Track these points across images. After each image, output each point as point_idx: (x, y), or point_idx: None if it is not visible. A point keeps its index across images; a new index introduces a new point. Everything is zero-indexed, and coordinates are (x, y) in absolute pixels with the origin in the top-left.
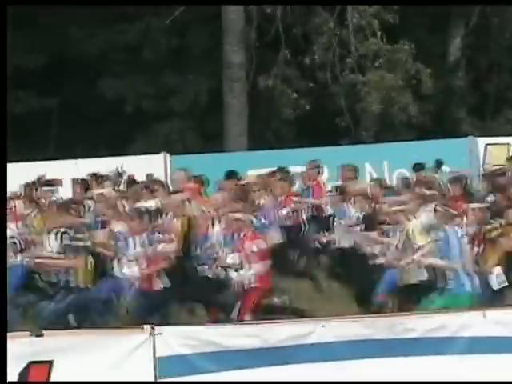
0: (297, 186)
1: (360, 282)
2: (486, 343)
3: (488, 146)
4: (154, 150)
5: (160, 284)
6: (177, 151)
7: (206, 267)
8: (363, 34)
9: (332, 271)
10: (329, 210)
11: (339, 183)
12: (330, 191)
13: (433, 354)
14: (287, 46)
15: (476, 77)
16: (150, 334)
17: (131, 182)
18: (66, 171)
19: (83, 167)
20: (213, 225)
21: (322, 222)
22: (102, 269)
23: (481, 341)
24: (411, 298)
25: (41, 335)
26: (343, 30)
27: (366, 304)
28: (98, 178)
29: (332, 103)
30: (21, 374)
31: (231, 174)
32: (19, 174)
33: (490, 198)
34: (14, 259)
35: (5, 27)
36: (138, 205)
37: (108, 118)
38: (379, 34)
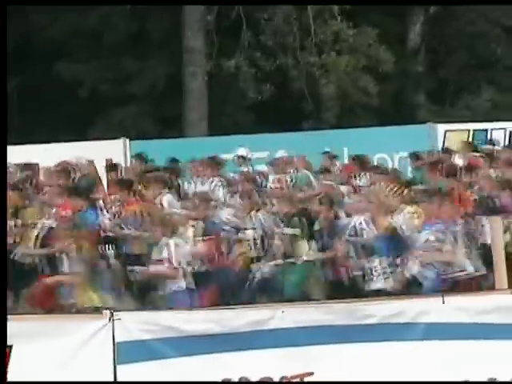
0: None
1: None
2: (444, 329)
3: (447, 133)
4: (113, 135)
5: None
6: (135, 136)
7: None
8: (323, 18)
9: None
10: None
11: None
12: None
13: (391, 339)
14: (248, 30)
15: (434, 62)
16: (110, 319)
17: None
18: (31, 157)
19: (45, 153)
20: None
21: None
22: None
23: (439, 327)
24: None
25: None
26: (304, 13)
27: None
28: None
29: (292, 87)
30: None
31: None
32: None
33: None
34: None
35: (5, 27)
36: None
37: (67, 102)
38: (339, 18)
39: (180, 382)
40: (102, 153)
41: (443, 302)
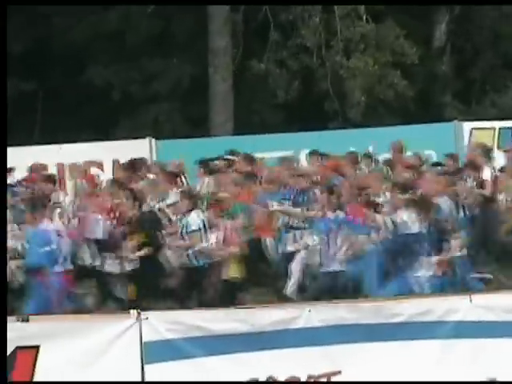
0: None
1: None
2: (472, 327)
3: (473, 131)
4: (139, 134)
5: None
6: (162, 136)
7: None
8: (350, 18)
9: None
10: None
11: None
12: None
13: (419, 338)
14: (275, 31)
15: (460, 61)
16: (137, 318)
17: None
18: (51, 156)
19: (67, 152)
20: None
21: None
22: None
23: (467, 325)
24: None
25: (27, 320)
26: (330, 14)
27: None
28: None
29: (318, 87)
30: (8, 359)
31: None
32: None
33: None
34: None
35: (5, 27)
36: None
37: (93, 104)
38: (365, 17)
39: (207, 382)
40: (128, 152)
41: (470, 301)
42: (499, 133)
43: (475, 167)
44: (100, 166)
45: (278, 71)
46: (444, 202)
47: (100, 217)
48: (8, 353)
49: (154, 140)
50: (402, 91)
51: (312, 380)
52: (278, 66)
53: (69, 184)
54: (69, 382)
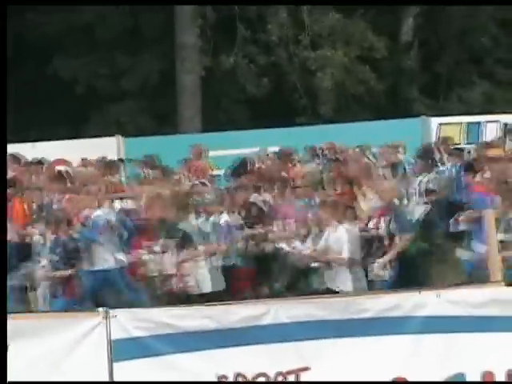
0: None
1: None
2: (440, 322)
3: (441, 126)
4: (108, 131)
5: None
6: (131, 132)
7: None
8: (318, 12)
9: None
10: None
11: None
12: None
13: (387, 333)
14: (242, 26)
15: (428, 56)
16: (105, 317)
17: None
18: (23, 153)
19: (39, 150)
20: None
21: None
22: None
23: (435, 320)
24: None
25: None
26: (298, 9)
27: None
28: None
29: (288, 82)
30: None
31: None
32: None
33: None
34: None
35: (4, 28)
36: None
37: (61, 98)
38: (332, 12)
39: (176, 383)
40: (96, 150)
41: (437, 296)
42: (467, 127)
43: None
44: (68, 164)
45: (246, 66)
46: None
47: None
48: None
49: (121, 138)
50: (372, 86)
51: (280, 377)
52: (246, 61)
53: None
54: (43, 383)
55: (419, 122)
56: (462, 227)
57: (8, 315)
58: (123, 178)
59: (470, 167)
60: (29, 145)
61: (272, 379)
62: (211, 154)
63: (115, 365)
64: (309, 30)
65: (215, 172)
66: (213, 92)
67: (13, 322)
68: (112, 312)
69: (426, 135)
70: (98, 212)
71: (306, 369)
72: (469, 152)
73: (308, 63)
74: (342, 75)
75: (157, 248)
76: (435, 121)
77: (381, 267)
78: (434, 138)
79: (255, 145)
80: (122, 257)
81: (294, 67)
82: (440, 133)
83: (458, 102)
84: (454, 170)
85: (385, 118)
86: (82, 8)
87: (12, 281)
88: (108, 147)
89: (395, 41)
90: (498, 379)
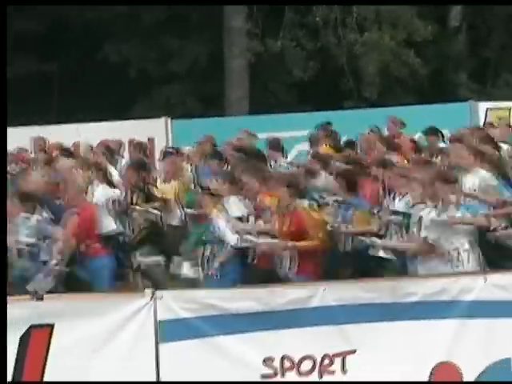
0: None
1: None
2: (487, 307)
3: (489, 110)
4: (156, 113)
5: None
6: (178, 114)
7: None
8: None
9: None
10: None
11: None
12: None
13: (434, 318)
14: (290, 10)
15: (475, 41)
16: (151, 298)
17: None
18: (67, 136)
19: (84, 132)
20: None
21: None
22: None
23: (482, 304)
24: None
25: (41, 299)
26: None
27: None
28: None
29: (334, 66)
30: (22, 338)
31: None
32: (18, 138)
33: None
34: None
35: (5, 27)
36: None
37: (109, 82)
38: None
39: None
40: (144, 132)
41: (485, 281)
42: None
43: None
44: (118, 144)
45: (293, 50)
46: None
47: None
48: (22, 331)
49: (169, 120)
50: (417, 69)
51: (327, 359)
52: (294, 44)
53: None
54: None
55: (467, 107)
56: None
57: (53, 295)
58: None
59: None
60: (72, 127)
61: (318, 362)
62: (260, 136)
63: (161, 345)
64: (355, 13)
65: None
66: (260, 75)
67: (58, 302)
68: (158, 293)
69: (474, 120)
70: None
71: (352, 352)
72: None
73: (355, 47)
74: (387, 59)
75: None
76: (483, 106)
77: None
78: (481, 123)
79: (302, 128)
80: None
81: (342, 51)
82: (488, 118)
83: (505, 87)
84: None
85: (429, 102)
86: None
87: None
88: (155, 129)
89: (443, 25)
90: None
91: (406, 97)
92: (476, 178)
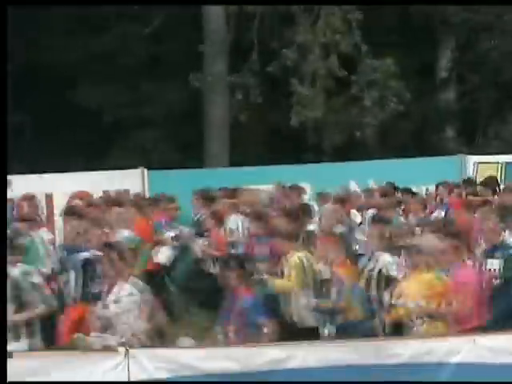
0: None
1: None
2: (474, 369)
3: (479, 165)
4: (130, 161)
5: None
6: (154, 162)
7: None
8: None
9: None
10: None
11: None
12: None
13: (420, 380)
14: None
15: (465, 92)
16: (125, 356)
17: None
18: (33, 186)
19: (55, 182)
20: None
21: None
22: None
23: (469, 367)
24: None
25: (10, 357)
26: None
27: None
28: None
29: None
30: None
31: None
32: None
33: None
34: None
35: (5, 27)
36: None
37: (83, 128)
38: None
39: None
40: (119, 183)
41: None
42: (505, 167)
43: None
44: (90, 196)
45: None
46: None
47: None
48: None
49: (145, 170)
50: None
51: None
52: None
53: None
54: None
55: (458, 160)
56: None
57: (22, 353)
58: None
59: None
60: (34, 176)
61: None
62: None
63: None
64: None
65: None
66: (240, 124)
67: (27, 360)
68: (132, 352)
69: (463, 174)
70: None
71: None
72: None
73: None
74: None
75: None
76: (472, 160)
77: None
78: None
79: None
80: None
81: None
82: (477, 172)
83: (495, 140)
84: None
85: (413, 156)
86: (102, 33)
87: None
88: (132, 180)
89: (431, 77)
90: None
91: (393, 151)
92: None
